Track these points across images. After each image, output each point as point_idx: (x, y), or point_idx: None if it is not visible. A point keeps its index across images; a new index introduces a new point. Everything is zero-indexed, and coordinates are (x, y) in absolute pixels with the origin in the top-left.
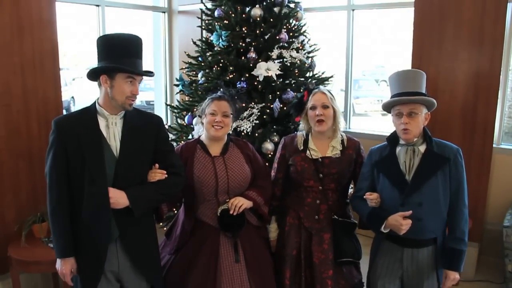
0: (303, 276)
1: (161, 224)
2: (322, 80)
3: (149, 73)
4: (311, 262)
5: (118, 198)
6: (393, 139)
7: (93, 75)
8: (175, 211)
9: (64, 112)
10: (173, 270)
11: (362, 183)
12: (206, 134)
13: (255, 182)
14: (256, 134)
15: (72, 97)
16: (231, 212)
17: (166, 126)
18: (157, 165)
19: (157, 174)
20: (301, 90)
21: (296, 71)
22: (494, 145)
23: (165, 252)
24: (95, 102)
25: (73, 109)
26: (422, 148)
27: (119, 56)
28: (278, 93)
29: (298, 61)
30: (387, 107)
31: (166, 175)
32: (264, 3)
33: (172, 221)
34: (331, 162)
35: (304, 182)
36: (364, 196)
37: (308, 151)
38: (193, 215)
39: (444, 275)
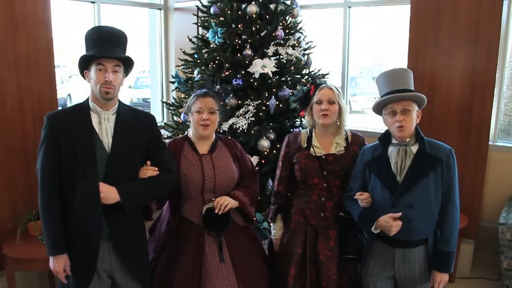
0: (308, 275)
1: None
2: (318, 78)
3: (118, 57)
4: (316, 260)
5: (109, 193)
6: (385, 138)
7: (82, 73)
8: None
9: None
10: (158, 268)
11: (354, 183)
12: (193, 132)
13: (242, 182)
14: (252, 132)
15: (69, 95)
16: (216, 211)
17: (162, 124)
18: (149, 162)
19: (149, 171)
20: (298, 88)
21: (292, 68)
22: (490, 143)
23: (149, 249)
24: (87, 98)
25: None
26: (415, 148)
27: (91, 47)
28: (274, 90)
29: (294, 58)
30: (379, 107)
31: (158, 172)
32: (260, 0)
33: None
34: (335, 159)
35: (309, 179)
36: (355, 196)
37: (311, 149)
38: (179, 213)
39: (432, 276)
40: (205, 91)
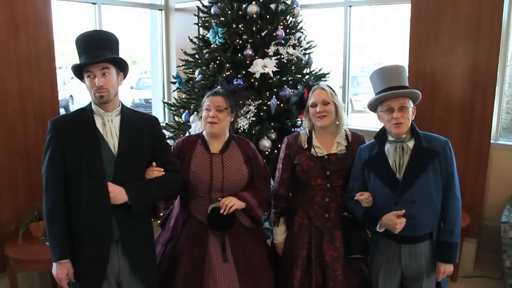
0: (314, 277)
1: (158, 222)
2: (319, 77)
3: (100, 60)
4: (322, 261)
5: (117, 193)
6: (381, 136)
7: (81, 81)
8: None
9: (62, 111)
10: (163, 263)
11: (354, 184)
12: (206, 131)
13: (252, 184)
14: (253, 131)
15: (71, 96)
16: (221, 211)
17: (163, 124)
18: (154, 163)
19: (155, 172)
20: (299, 87)
21: (293, 68)
22: (491, 141)
23: (159, 242)
24: (90, 102)
25: (72, 107)
26: (411, 144)
27: (81, 54)
28: (275, 90)
29: (295, 58)
30: (374, 105)
31: (164, 173)
32: (261, 0)
33: (167, 211)
34: (338, 158)
35: (311, 180)
36: (355, 197)
37: (312, 149)
38: (187, 209)
39: (437, 267)
40: (216, 90)
